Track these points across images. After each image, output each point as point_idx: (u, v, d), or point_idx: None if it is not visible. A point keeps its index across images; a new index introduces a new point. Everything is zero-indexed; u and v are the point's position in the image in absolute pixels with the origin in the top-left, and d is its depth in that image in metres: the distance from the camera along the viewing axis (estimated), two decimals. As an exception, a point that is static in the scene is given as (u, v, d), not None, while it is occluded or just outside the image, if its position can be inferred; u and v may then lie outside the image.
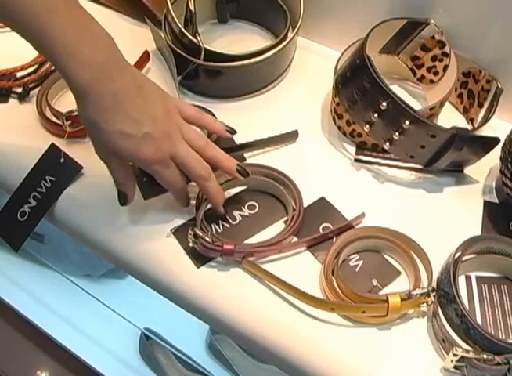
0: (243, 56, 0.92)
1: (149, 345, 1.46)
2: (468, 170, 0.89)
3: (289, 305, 0.74)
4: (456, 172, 0.88)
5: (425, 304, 0.72)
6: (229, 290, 0.75)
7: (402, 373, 0.69)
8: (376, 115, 0.81)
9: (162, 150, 0.71)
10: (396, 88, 0.99)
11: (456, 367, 0.69)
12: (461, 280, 0.78)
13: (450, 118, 0.94)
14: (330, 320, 0.73)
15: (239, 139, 0.88)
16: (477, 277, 0.79)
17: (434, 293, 0.71)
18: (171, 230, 0.79)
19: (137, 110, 0.69)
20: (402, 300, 0.70)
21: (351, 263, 0.78)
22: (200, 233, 0.74)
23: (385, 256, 0.79)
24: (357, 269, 0.77)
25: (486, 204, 0.86)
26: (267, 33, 1.08)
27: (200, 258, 0.76)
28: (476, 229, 0.83)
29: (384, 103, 0.80)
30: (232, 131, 0.81)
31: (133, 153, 0.70)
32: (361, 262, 0.78)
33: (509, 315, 0.76)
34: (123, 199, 0.76)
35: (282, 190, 0.82)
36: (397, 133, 0.81)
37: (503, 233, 0.81)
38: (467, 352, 0.68)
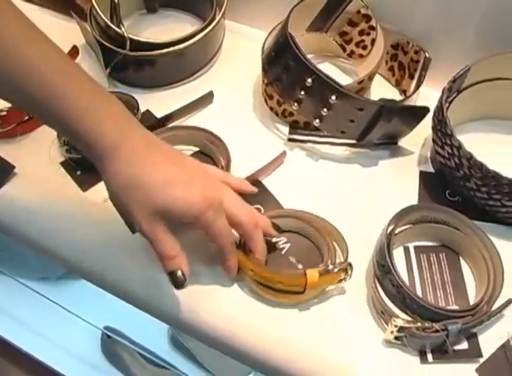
0: (169, 44, 0.91)
1: (111, 344, 1.45)
2: (403, 142, 0.89)
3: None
4: (390, 145, 0.88)
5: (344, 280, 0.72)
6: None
7: (343, 348, 0.69)
8: (302, 92, 0.81)
9: (211, 192, 0.63)
10: (327, 66, 0.99)
11: (396, 338, 0.69)
12: (399, 251, 0.78)
13: (383, 92, 0.94)
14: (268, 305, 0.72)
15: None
16: (415, 247, 0.79)
17: (352, 269, 0.71)
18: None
19: (174, 157, 0.64)
20: (321, 274, 0.69)
21: (280, 245, 0.77)
22: None
23: (312, 240, 0.78)
24: (283, 252, 0.77)
25: (422, 174, 0.86)
26: (197, 20, 1.06)
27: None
28: (413, 200, 0.83)
29: (309, 80, 0.79)
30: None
31: (183, 201, 0.61)
32: (288, 245, 0.77)
33: (448, 282, 0.76)
34: (178, 279, 0.64)
35: (210, 146, 0.83)
36: (325, 109, 0.80)
37: (440, 202, 0.82)
38: (405, 322, 0.68)
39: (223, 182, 0.69)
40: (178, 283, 0.64)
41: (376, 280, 0.72)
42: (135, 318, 1.39)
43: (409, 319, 0.70)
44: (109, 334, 1.40)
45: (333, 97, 0.79)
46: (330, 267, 0.70)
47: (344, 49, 0.97)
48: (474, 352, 0.70)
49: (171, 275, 0.64)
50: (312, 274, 0.69)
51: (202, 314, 0.72)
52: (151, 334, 1.45)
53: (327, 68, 0.98)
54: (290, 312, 0.72)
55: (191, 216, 0.62)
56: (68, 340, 1.48)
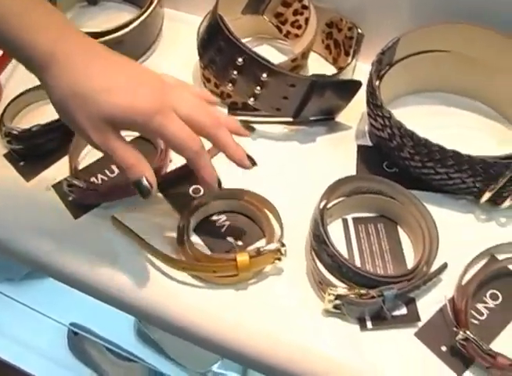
0: (107, 32, 0.91)
1: (78, 340, 1.45)
2: (340, 117, 0.90)
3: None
4: (328, 121, 0.89)
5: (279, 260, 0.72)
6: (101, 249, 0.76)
7: (284, 322, 0.71)
8: (235, 72, 0.81)
9: (160, 98, 0.59)
10: (266, 48, 1.00)
11: (336, 307, 0.70)
12: (338, 223, 0.79)
13: (321, 70, 0.92)
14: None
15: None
16: (353, 219, 0.80)
17: (285, 248, 0.71)
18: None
19: (117, 62, 0.60)
20: (252, 257, 0.70)
21: (218, 224, 0.78)
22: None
23: (252, 217, 0.79)
24: (223, 230, 0.78)
25: (359, 148, 0.87)
26: (138, 9, 1.06)
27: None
28: (352, 174, 0.83)
29: (240, 59, 0.80)
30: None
31: (130, 107, 0.58)
32: (227, 223, 0.78)
33: (386, 251, 0.77)
34: (144, 188, 0.61)
35: None
36: (258, 87, 0.81)
37: (379, 174, 0.82)
38: (342, 290, 0.69)
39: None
40: (145, 192, 0.61)
41: (313, 252, 0.73)
42: (100, 313, 1.40)
43: (345, 287, 0.70)
44: (75, 330, 1.40)
45: (265, 75, 0.80)
46: (261, 249, 0.71)
47: (281, 30, 0.98)
48: (412, 317, 0.71)
49: (136, 184, 0.61)
50: (242, 258, 0.69)
51: (140, 294, 0.73)
52: (117, 328, 1.45)
53: (265, 50, 0.98)
54: (230, 293, 0.73)
55: (138, 123, 0.59)
56: (35, 339, 1.48)
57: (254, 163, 0.69)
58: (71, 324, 1.44)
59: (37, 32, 0.57)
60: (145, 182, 0.60)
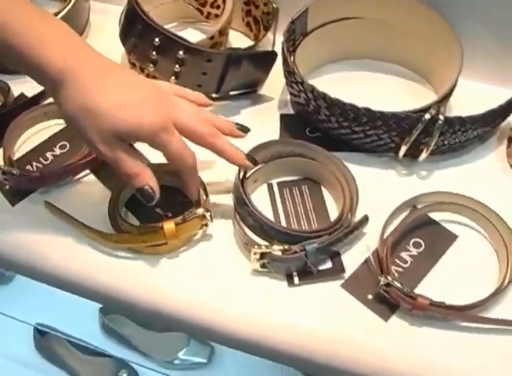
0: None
1: (44, 340, 1.46)
2: (264, 90, 0.93)
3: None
4: (251, 94, 0.92)
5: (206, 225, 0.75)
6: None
7: (215, 285, 0.73)
8: (154, 53, 0.84)
9: (163, 114, 0.65)
10: (190, 31, 1.03)
11: (263, 266, 0.73)
12: (263, 188, 0.82)
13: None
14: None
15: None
16: (278, 183, 0.83)
17: (209, 213, 0.74)
18: None
19: (125, 80, 0.65)
20: (178, 224, 0.72)
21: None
22: None
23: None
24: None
25: (282, 117, 0.90)
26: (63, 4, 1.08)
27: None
28: (273, 139, 0.86)
29: (157, 39, 0.83)
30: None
31: (135, 124, 0.63)
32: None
33: (311, 211, 0.80)
34: (148, 194, 0.67)
35: None
36: (177, 66, 0.84)
37: (302, 140, 0.85)
38: (265, 247, 0.71)
39: (179, 96, 0.71)
40: (148, 198, 0.67)
41: (236, 215, 0.76)
42: (64, 312, 1.42)
43: (269, 245, 0.73)
44: (40, 328, 1.41)
45: (181, 52, 0.82)
46: (186, 216, 0.73)
47: (202, 12, 1.01)
48: (337, 270, 0.74)
49: (140, 192, 0.66)
50: (169, 226, 0.72)
51: (75, 271, 0.76)
52: (83, 324, 1.47)
53: (190, 33, 1.01)
54: (163, 262, 0.76)
55: (143, 138, 0.65)
56: (1, 342, 1.49)
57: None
58: (37, 324, 1.45)
59: (51, 50, 0.61)
60: (148, 190, 0.66)
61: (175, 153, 0.66)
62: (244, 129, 0.75)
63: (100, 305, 1.46)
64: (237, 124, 0.75)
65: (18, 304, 1.47)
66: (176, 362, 1.42)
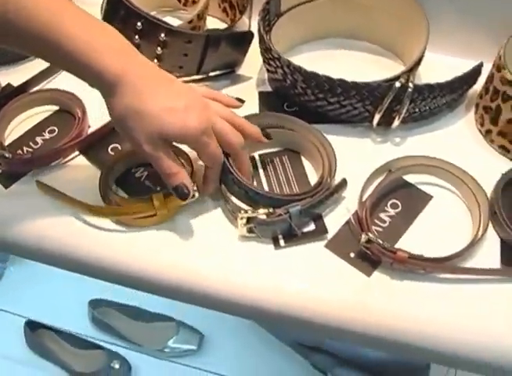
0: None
1: (35, 336, 1.48)
2: (242, 70, 0.97)
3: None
4: (230, 74, 0.96)
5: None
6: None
7: (204, 254, 0.77)
8: (137, 37, 0.87)
9: (205, 119, 0.70)
10: (170, 19, 1.06)
11: (250, 231, 0.76)
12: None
13: None
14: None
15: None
16: (259, 155, 0.87)
17: (195, 184, 0.76)
18: None
19: (172, 85, 0.71)
20: (166, 196, 0.76)
21: (137, 174, 0.85)
22: None
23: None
24: (142, 179, 0.84)
25: (260, 94, 0.94)
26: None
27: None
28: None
29: (139, 23, 0.86)
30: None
31: (182, 127, 0.69)
32: (146, 173, 0.85)
33: (292, 178, 0.84)
34: (182, 192, 0.73)
35: (68, 103, 0.91)
36: (159, 48, 0.87)
37: (281, 115, 0.89)
38: (251, 212, 0.75)
39: (214, 99, 0.77)
40: (183, 196, 0.72)
41: (222, 184, 0.79)
42: (54, 307, 1.44)
43: (254, 210, 0.76)
44: (32, 320, 1.43)
45: (163, 35, 0.86)
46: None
47: (179, 1, 1.05)
48: (320, 231, 0.78)
49: (176, 189, 0.72)
50: (158, 197, 0.76)
51: (70, 247, 0.79)
52: (72, 318, 1.49)
53: (169, 21, 1.03)
54: (153, 233, 0.79)
55: (187, 140, 0.71)
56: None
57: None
58: (27, 321, 1.47)
59: (108, 57, 0.65)
60: (183, 188, 0.72)
61: (211, 153, 0.73)
62: (268, 136, 0.83)
63: (89, 299, 1.48)
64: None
65: (8, 300, 1.48)
66: (166, 350, 1.46)
